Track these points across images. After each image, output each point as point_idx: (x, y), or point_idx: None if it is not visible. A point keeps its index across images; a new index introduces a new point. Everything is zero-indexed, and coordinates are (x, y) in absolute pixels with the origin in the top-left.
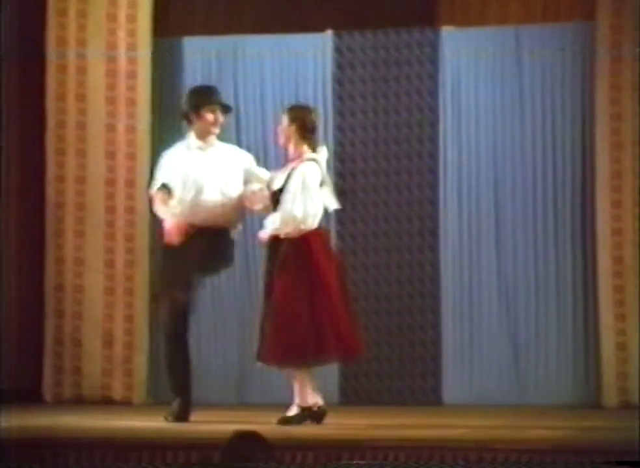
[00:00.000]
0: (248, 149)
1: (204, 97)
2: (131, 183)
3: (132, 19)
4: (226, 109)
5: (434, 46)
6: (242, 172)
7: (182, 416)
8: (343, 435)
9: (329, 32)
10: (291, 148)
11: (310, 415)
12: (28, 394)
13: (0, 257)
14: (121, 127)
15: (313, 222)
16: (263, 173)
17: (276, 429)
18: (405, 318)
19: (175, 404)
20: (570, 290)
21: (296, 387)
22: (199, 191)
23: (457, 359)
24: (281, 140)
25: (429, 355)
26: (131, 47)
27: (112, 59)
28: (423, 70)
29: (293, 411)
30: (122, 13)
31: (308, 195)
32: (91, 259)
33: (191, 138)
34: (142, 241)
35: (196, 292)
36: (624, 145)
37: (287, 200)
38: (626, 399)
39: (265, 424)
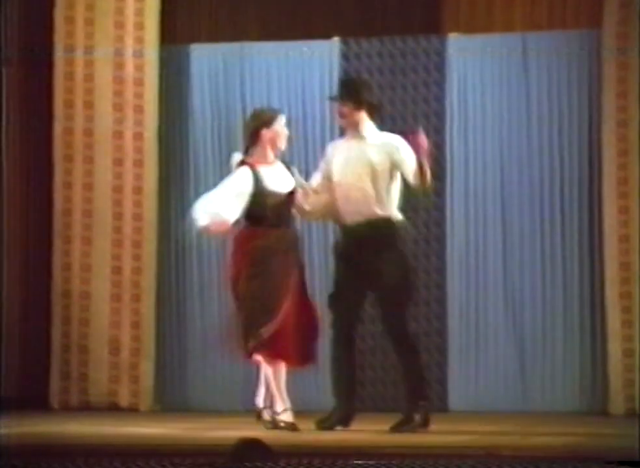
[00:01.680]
0: None
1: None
2: (138, 190)
3: (139, 26)
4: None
5: (441, 53)
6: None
7: (347, 421)
8: (349, 441)
9: (336, 39)
10: None
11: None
12: (35, 401)
13: (7, 263)
14: (128, 133)
15: None
16: None
17: (281, 435)
18: (411, 325)
19: (337, 410)
20: (576, 297)
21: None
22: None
23: (463, 365)
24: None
25: (435, 362)
26: (138, 54)
27: (119, 66)
28: (429, 77)
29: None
30: (129, 21)
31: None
32: (98, 265)
33: None
34: (149, 248)
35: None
36: (631, 152)
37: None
38: (632, 406)
39: (270, 431)
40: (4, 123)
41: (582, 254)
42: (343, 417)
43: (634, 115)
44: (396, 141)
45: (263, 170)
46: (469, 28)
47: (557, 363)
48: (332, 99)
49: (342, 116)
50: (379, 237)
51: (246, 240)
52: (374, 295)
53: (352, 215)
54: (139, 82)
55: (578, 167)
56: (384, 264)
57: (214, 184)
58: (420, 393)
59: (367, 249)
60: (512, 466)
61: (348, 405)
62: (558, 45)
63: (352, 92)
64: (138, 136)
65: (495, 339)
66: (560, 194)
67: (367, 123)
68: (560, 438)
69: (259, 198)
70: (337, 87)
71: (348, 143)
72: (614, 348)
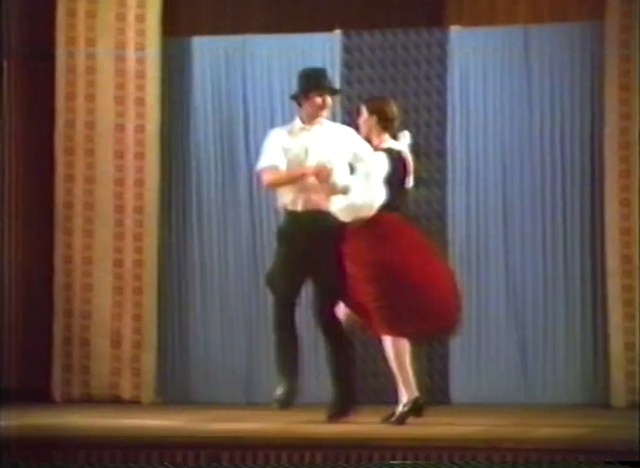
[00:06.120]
0: (256, 147)
1: (313, 81)
2: (139, 183)
3: (141, 18)
4: (334, 92)
5: (443, 46)
6: (348, 152)
7: (287, 401)
8: (352, 434)
9: (337, 32)
10: (374, 139)
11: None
12: (37, 393)
13: (8, 255)
14: (130, 126)
15: (370, 210)
16: (367, 154)
17: (283, 428)
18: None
19: (281, 390)
20: (578, 290)
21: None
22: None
23: (465, 358)
24: (363, 132)
25: (437, 354)
26: (140, 46)
27: (121, 59)
28: (431, 70)
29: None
30: (131, 13)
31: (370, 183)
32: (100, 258)
33: (296, 121)
34: (151, 240)
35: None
36: (633, 145)
37: (351, 188)
38: (634, 398)
39: (271, 423)
40: (5, 115)
41: (583, 247)
42: (286, 399)
43: (637, 107)
44: (352, 133)
45: None
46: (472, 21)
47: (558, 355)
48: (334, 91)
49: (325, 105)
50: (326, 228)
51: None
52: (312, 283)
53: (307, 203)
54: (141, 75)
55: (580, 160)
56: (326, 254)
57: (216, 176)
58: (347, 388)
59: (314, 238)
60: (513, 458)
61: (291, 385)
62: (560, 38)
63: (329, 82)
64: (140, 129)
65: (496, 332)
66: (562, 186)
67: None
68: (561, 430)
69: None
70: (323, 79)
71: (308, 132)
72: (616, 340)
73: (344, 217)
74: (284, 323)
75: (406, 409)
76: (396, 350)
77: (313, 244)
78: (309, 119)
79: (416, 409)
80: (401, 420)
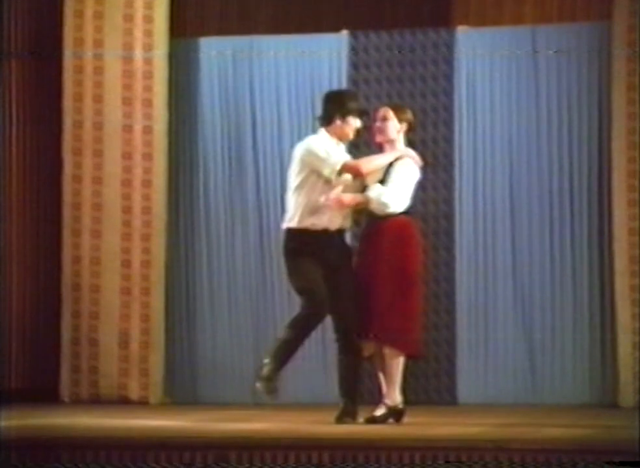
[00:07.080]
0: (264, 148)
1: (353, 104)
2: (147, 184)
3: (148, 19)
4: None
5: (450, 46)
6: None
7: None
8: (358, 435)
9: (344, 33)
10: (389, 147)
11: (394, 413)
12: (46, 394)
13: (17, 256)
14: (137, 127)
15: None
16: None
17: (291, 429)
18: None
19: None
20: (586, 290)
21: (385, 385)
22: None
23: (472, 358)
24: (382, 138)
25: (444, 354)
26: (148, 47)
27: (128, 60)
28: (438, 70)
29: (381, 410)
30: (138, 14)
31: (408, 189)
32: (107, 258)
33: (328, 137)
34: (158, 241)
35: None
36: None
37: (391, 186)
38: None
39: (279, 423)
40: (13, 116)
41: (591, 247)
42: (350, 411)
43: None
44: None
45: None
46: (479, 21)
47: (566, 355)
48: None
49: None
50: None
51: (415, 228)
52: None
53: (337, 218)
54: (148, 76)
55: (587, 160)
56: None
57: (223, 177)
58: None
59: (339, 254)
60: (521, 458)
61: (277, 368)
62: (568, 38)
63: (359, 103)
64: (147, 130)
65: (504, 332)
66: (570, 187)
67: None
68: (569, 430)
69: None
70: (359, 102)
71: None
72: (624, 340)
73: (385, 205)
74: (309, 331)
75: (383, 414)
76: (393, 361)
77: (336, 261)
78: (340, 138)
79: (397, 413)
80: (374, 421)
